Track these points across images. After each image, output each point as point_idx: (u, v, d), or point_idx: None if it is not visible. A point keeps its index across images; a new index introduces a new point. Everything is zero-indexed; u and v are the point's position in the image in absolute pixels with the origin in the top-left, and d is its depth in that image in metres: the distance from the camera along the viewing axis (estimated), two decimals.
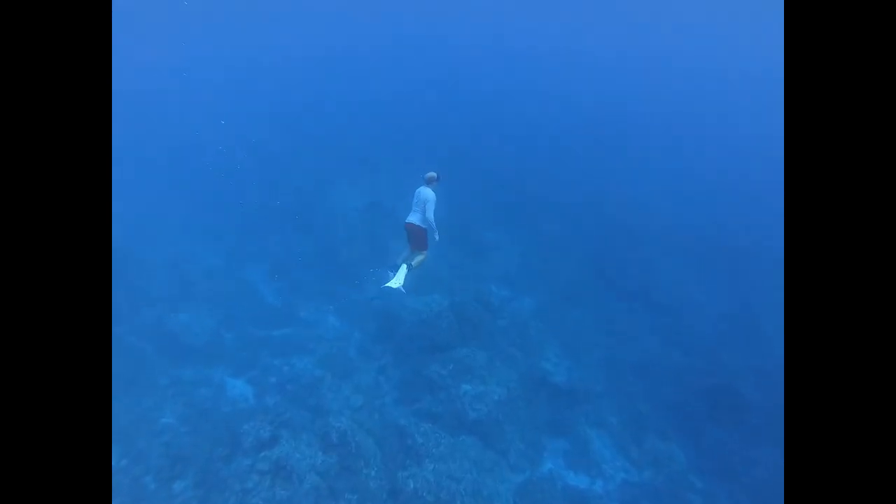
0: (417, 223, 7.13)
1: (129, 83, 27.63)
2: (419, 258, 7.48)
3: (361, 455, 8.74)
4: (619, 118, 29.50)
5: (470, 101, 28.58)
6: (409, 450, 9.34)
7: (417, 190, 7.20)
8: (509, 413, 10.44)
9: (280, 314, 13.00)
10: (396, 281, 7.51)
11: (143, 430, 8.78)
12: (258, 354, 11.56)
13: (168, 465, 8.15)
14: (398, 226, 15.15)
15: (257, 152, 19.89)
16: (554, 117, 28.30)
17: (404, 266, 7.58)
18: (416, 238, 7.27)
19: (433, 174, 7.10)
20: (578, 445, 10.31)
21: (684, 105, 35.30)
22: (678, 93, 40.71)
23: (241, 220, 15.92)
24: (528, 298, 13.97)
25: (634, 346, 12.58)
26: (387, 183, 17.18)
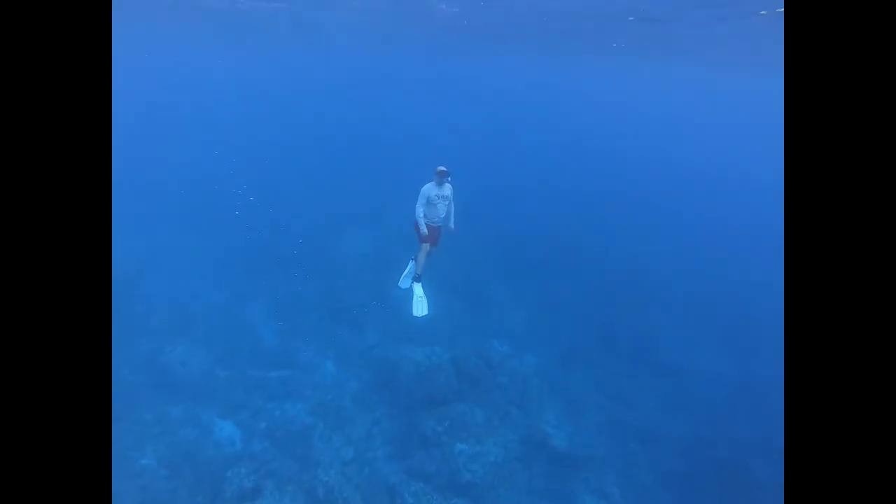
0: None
1: (142, 115, 29.11)
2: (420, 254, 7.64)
3: None
4: (626, 177, 30.15)
5: (482, 155, 29.43)
6: None
7: None
8: (505, 477, 9.93)
9: (278, 355, 12.78)
10: (420, 308, 7.83)
11: (120, 471, 8.38)
12: (251, 396, 11.25)
13: None
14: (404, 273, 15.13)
15: (271, 191, 20.41)
16: (562, 175, 29.03)
17: (422, 295, 7.85)
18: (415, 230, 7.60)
19: (440, 168, 7.15)
20: None
21: (691, 164, 36.13)
22: (685, 150, 41.88)
23: (247, 257, 16.06)
24: (529, 356, 13.66)
25: (639, 411, 12.10)
26: (396, 230, 17.40)
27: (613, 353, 13.96)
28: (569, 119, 53.00)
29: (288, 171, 23.19)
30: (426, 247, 7.55)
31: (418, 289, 7.89)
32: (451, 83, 56.29)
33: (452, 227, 7.64)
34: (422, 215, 7.28)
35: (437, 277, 16.00)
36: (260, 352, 12.74)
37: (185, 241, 16.37)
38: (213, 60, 40.83)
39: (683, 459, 10.73)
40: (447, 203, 7.39)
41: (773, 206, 22.48)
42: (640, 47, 22.80)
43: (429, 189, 7.21)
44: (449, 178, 7.20)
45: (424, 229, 7.33)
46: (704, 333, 14.54)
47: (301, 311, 14.45)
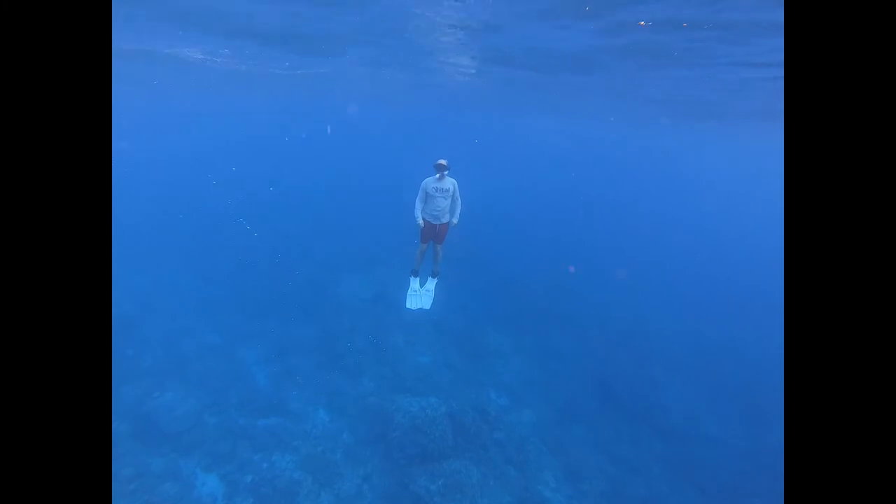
0: None
1: (145, 154, 29.71)
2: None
3: None
4: (631, 230, 30.30)
5: (486, 203, 29.74)
6: None
7: None
8: None
9: (269, 402, 12.40)
10: (413, 302, 7.97)
11: None
12: (238, 446, 10.83)
13: None
14: (404, 321, 15.03)
15: (273, 232, 20.54)
16: (566, 225, 29.25)
17: (417, 289, 8.02)
18: None
19: (439, 161, 7.05)
20: None
21: (696, 220, 36.26)
22: (689, 206, 42.21)
23: (246, 298, 15.94)
24: (528, 410, 13.23)
25: (642, 476, 11.55)
26: (396, 277, 17.34)
27: (615, 411, 13.51)
28: (575, 171, 53.95)
29: (292, 212, 23.45)
30: (424, 246, 7.62)
31: (414, 283, 8.01)
32: (456, 133, 57.77)
33: (455, 221, 7.50)
34: (419, 208, 7.27)
35: (437, 323, 15.86)
36: (251, 397, 12.39)
37: (184, 281, 16.33)
38: (219, 102, 42.12)
39: None
40: (448, 197, 7.25)
41: (775, 264, 22.42)
42: (646, 110, 23.50)
43: (428, 182, 7.16)
44: (448, 172, 7.13)
45: (420, 221, 7.31)
46: (708, 396, 14.10)
47: (296, 354, 14.18)
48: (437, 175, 7.09)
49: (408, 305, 8.05)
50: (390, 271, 17.65)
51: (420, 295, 8.09)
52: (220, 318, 14.96)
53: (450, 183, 7.21)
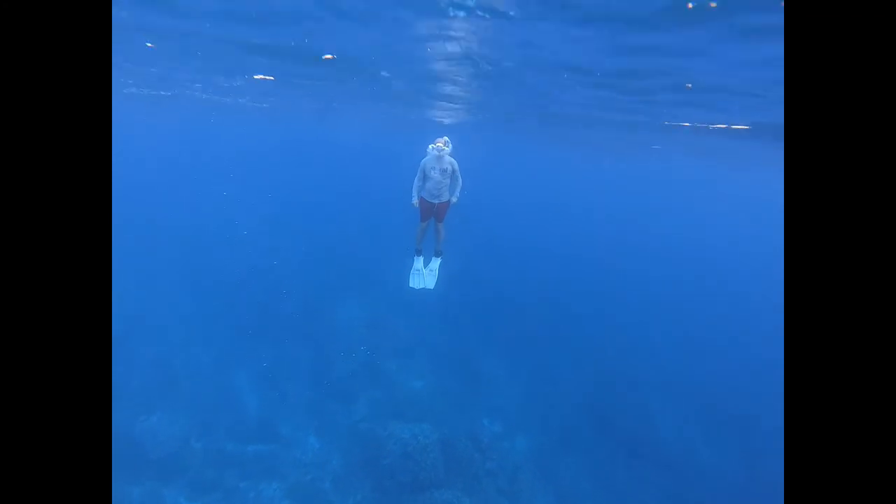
0: None
1: (140, 170, 29.62)
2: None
3: None
4: (629, 258, 30.38)
5: (485, 224, 29.84)
6: None
7: None
8: None
9: (259, 427, 12.18)
10: (415, 281, 7.98)
11: None
12: (224, 474, 10.59)
13: None
14: (399, 345, 14.78)
15: (270, 253, 20.46)
16: (565, 249, 29.32)
17: (420, 268, 8.07)
18: None
19: (440, 139, 6.99)
20: None
21: (693, 248, 36.42)
22: (686, 235, 42.48)
23: (239, 318, 15.76)
24: (521, 438, 13.04)
25: None
26: (392, 301, 17.24)
27: (610, 439, 13.32)
28: (575, 198, 54.30)
29: (289, 233, 23.38)
30: (423, 224, 7.61)
31: (417, 262, 8.03)
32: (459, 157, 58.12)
33: (455, 200, 7.43)
34: (415, 188, 7.25)
35: (431, 347, 15.71)
36: (241, 422, 12.17)
37: (176, 299, 16.14)
38: (219, 121, 42.39)
39: None
40: (447, 176, 7.15)
41: (771, 289, 22.53)
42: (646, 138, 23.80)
43: (426, 162, 7.09)
44: (449, 151, 7.03)
45: (415, 201, 7.30)
46: (704, 424, 13.96)
47: (289, 377, 13.97)
48: (437, 154, 7.01)
49: (411, 284, 8.02)
50: (387, 295, 17.55)
51: (423, 275, 8.05)
52: (213, 338, 14.77)
53: (448, 163, 7.12)
